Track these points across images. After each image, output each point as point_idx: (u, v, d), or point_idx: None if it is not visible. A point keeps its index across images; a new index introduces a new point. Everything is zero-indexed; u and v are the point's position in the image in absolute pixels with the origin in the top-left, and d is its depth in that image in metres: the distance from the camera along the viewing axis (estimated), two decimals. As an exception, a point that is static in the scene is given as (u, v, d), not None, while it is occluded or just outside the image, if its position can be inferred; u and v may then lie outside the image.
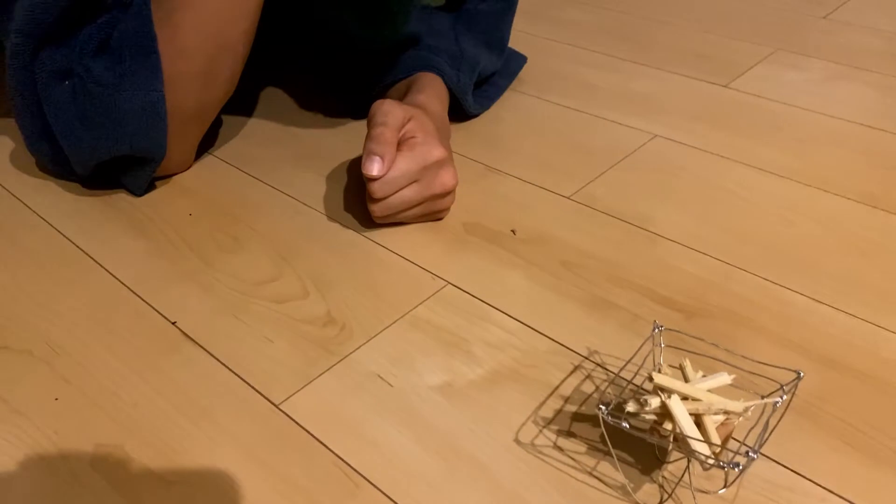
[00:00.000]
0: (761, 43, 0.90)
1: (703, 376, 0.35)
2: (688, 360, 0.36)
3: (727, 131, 0.70)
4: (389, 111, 0.52)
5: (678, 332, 0.41)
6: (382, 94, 0.68)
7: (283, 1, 0.62)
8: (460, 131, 0.70)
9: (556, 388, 0.42)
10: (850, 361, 0.43)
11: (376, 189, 0.51)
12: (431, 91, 0.62)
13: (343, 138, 0.69)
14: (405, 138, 0.52)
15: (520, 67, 0.80)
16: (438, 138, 0.53)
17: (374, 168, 0.49)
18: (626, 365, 0.43)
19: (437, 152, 0.52)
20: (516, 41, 0.91)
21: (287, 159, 0.66)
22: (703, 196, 0.60)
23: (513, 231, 0.56)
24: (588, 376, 0.43)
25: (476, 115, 0.73)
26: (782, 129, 0.70)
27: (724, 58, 0.86)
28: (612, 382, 0.42)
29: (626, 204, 0.59)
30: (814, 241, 0.54)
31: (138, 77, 0.51)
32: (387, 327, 0.47)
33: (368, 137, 0.51)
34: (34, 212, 0.59)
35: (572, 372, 0.43)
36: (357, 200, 0.59)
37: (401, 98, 0.65)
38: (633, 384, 0.41)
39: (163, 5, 0.51)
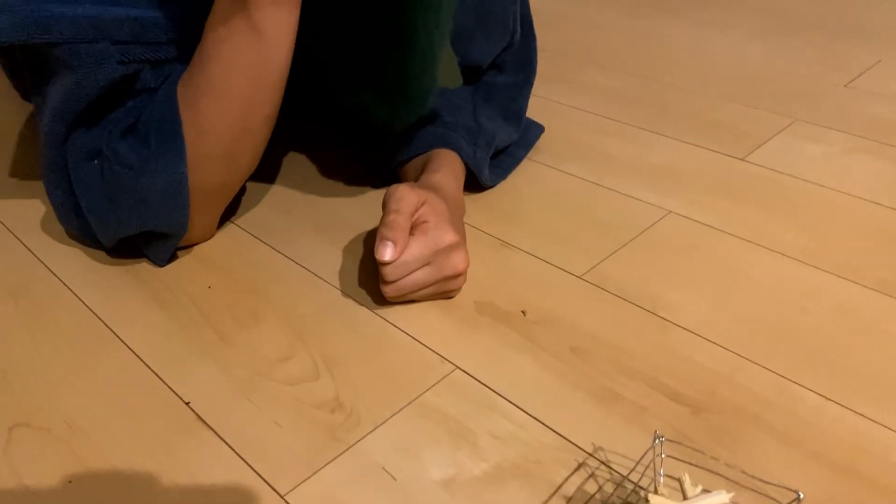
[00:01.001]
0: (780, 112, 0.90)
1: (703, 491, 0.35)
2: (687, 475, 0.36)
3: (743, 208, 0.70)
4: (403, 197, 0.53)
5: (679, 443, 0.41)
6: (400, 169, 0.70)
7: (303, 83, 0.64)
8: (476, 202, 0.71)
9: (560, 486, 0.42)
10: (861, 468, 0.43)
11: (388, 273, 0.52)
12: (447, 169, 0.64)
13: (361, 207, 0.71)
14: (418, 222, 0.54)
15: (537, 137, 0.81)
16: (451, 222, 0.55)
17: (386, 253, 0.50)
18: (629, 473, 0.43)
19: (449, 237, 0.53)
20: (534, 105, 0.93)
21: (306, 229, 0.68)
22: (716, 279, 0.60)
23: (523, 312, 0.56)
24: (592, 475, 0.43)
25: (492, 187, 0.74)
26: (799, 208, 0.70)
27: (741, 128, 0.86)
28: (617, 487, 0.42)
29: (639, 286, 0.59)
30: (829, 332, 0.54)
31: (163, 160, 0.53)
32: (394, 414, 0.47)
33: (382, 223, 0.52)
34: (60, 280, 0.61)
35: (576, 470, 0.43)
36: (371, 275, 0.60)
37: (417, 174, 0.67)
38: (636, 490, 0.41)
39: (189, 91, 0.53)
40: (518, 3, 0.71)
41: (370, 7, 0.49)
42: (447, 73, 0.59)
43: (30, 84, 0.57)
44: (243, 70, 0.51)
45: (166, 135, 0.53)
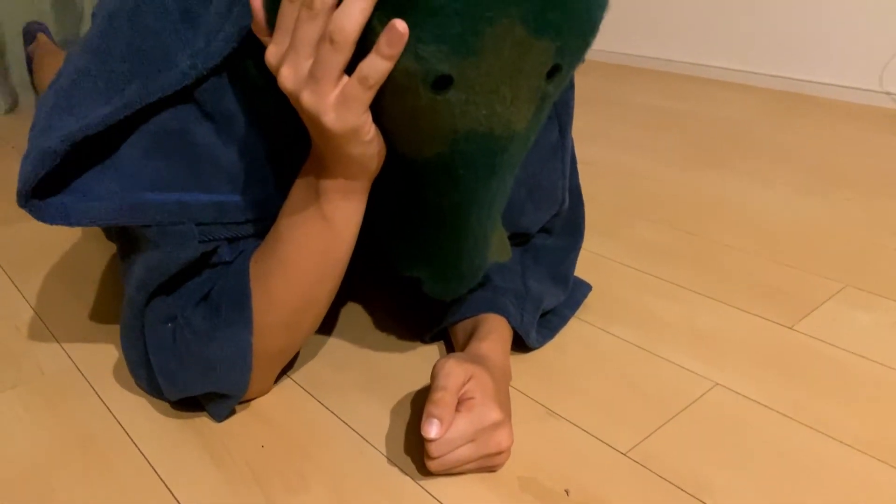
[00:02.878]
0: (830, 276, 0.90)
1: None
2: None
3: (792, 384, 0.70)
4: (450, 373, 0.55)
5: None
6: (450, 329, 0.73)
7: (363, 252, 0.68)
8: (523, 363, 0.73)
9: None
10: None
11: (433, 449, 0.53)
12: (495, 336, 0.66)
13: (411, 365, 0.73)
14: (464, 398, 0.56)
15: (584, 297, 0.83)
16: (496, 398, 0.56)
17: (432, 431, 0.52)
18: None
19: (494, 414, 0.55)
20: (583, 259, 0.96)
21: (357, 385, 0.70)
22: (763, 464, 0.59)
23: (566, 491, 0.57)
24: None
25: (539, 348, 0.76)
26: (850, 385, 0.69)
27: (791, 292, 0.87)
28: None
29: (683, 466, 0.59)
30: (880, 531, 0.52)
31: (231, 329, 0.57)
32: None
33: (429, 400, 0.54)
34: (125, 430, 0.64)
35: None
36: (417, 443, 0.62)
37: (466, 336, 0.69)
38: None
39: (260, 267, 0.58)
40: (567, 177, 0.76)
41: (428, 201, 0.53)
42: (498, 249, 0.62)
43: (118, 249, 0.63)
44: (312, 251, 0.56)
45: (236, 306, 0.58)
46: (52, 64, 1.50)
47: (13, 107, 1.69)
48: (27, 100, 1.73)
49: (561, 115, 0.73)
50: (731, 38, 2.02)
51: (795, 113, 1.67)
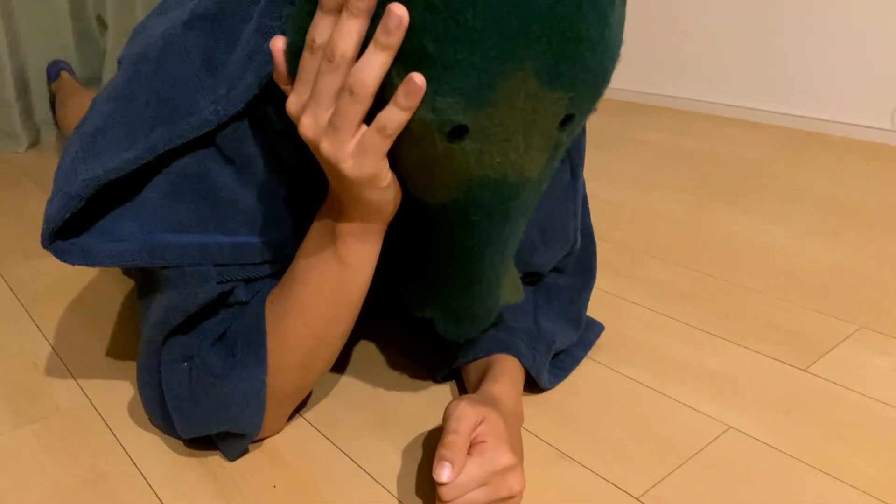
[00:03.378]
0: (844, 318, 0.90)
1: None
2: None
3: (806, 427, 0.69)
4: (462, 416, 0.56)
5: None
6: (462, 369, 0.73)
7: (376, 291, 0.69)
8: (534, 405, 0.73)
9: None
10: None
11: (445, 493, 0.53)
12: (507, 378, 0.66)
13: (424, 404, 0.74)
14: (476, 441, 0.56)
15: (596, 337, 0.83)
16: (508, 441, 0.56)
17: (443, 474, 0.52)
18: None
19: (506, 458, 0.55)
20: (595, 299, 0.96)
21: (369, 424, 0.70)
22: (777, 510, 0.59)
23: (578, 536, 0.56)
24: None
25: (551, 388, 0.76)
26: (866, 430, 0.69)
27: (804, 333, 0.87)
28: None
29: (697, 513, 0.58)
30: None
31: (246, 369, 0.58)
32: None
33: (441, 443, 0.54)
34: (137, 467, 0.64)
35: None
36: (428, 484, 0.62)
37: (479, 376, 0.70)
38: None
39: (276, 307, 0.59)
40: (579, 217, 0.77)
41: (441, 244, 0.54)
42: (510, 290, 0.63)
43: (137, 289, 0.64)
44: (327, 293, 0.56)
45: (251, 346, 0.58)
46: (75, 101, 1.54)
47: (35, 142, 1.73)
48: (49, 136, 1.77)
49: (573, 156, 0.74)
50: (743, 76, 2.04)
51: (808, 151, 1.68)
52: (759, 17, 1.96)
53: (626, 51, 2.32)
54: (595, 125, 1.99)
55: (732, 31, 2.03)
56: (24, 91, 1.68)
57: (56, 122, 1.67)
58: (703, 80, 2.14)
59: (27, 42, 1.71)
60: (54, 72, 1.70)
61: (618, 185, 1.44)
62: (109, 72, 1.83)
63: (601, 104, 2.31)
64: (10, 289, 1.00)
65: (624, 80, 2.35)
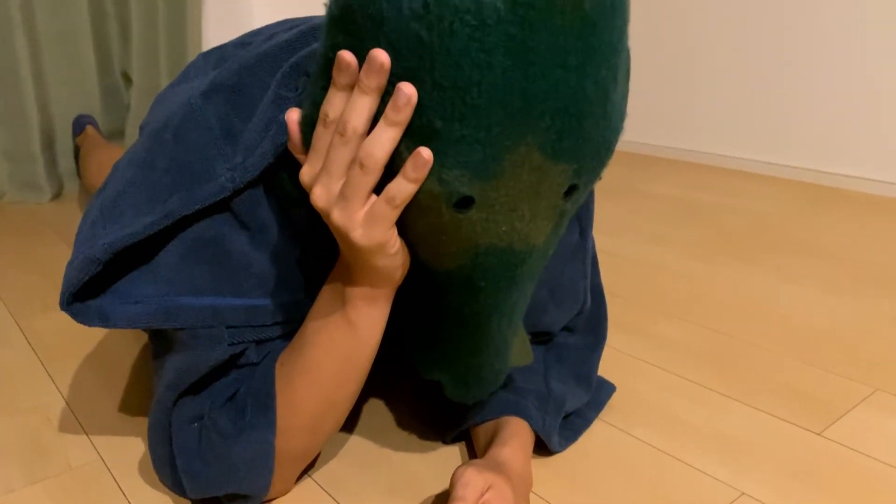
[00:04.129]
0: (860, 380, 0.89)
1: None
2: None
3: (820, 494, 0.68)
4: (468, 483, 0.55)
5: None
6: (472, 430, 0.73)
7: (386, 352, 0.70)
8: (544, 468, 0.72)
9: None
10: None
11: (452, 560, 0.53)
12: (516, 442, 0.66)
13: (433, 466, 0.73)
14: (484, 508, 0.55)
15: (608, 397, 0.83)
16: (516, 509, 0.56)
17: (451, 542, 0.52)
18: None
19: (514, 526, 0.54)
20: (607, 357, 0.96)
21: (378, 486, 0.70)
22: (792, 583, 0.57)
23: None
24: None
25: (561, 451, 0.75)
26: (882, 497, 0.67)
27: (819, 395, 0.85)
28: None
29: (709, 584, 0.57)
30: None
31: (255, 431, 0.58)
32: None
33: (449, 510, 0.54)
34: (146, 528, 0.65)
35: None
36: (437, 550, 0.61)
37: (488, 438, 0.69)
38: None
39: (286, 369, 0.59)
40: (588, 276, 0.77)
41: (449, 309, 0.55)
42: (520, 353, 0.63)
43: (151, 349, 0.65)
44: (336, 355, 0.57)
45: (261, 408, 0.59)
46: (98, 155, 1.58)
47: (59, 194, 1.77)
48: (72, 187, 1.81)
49: (582, 216, 0.75)
50: (757, 129, 2.05)
51: (822, 206, 1.68)
52: (774, 70, 1.99)
53: (638, 103, 2.35)
54: (607, 178, 2.00)
55: (746, 84, 2.05)
56: (49, 144, 1.73)
57: (79, 174, 1.72)
58: (717, 133, 2.16)
59: (55, 97, 1.76)
60: (79, 126, 1.75)
61: (629, 240, 1.44)
62: (133, 126, 1.89)
63: (613, 157, 2.33)
64: (28, 342, 1.01)
65: (637, 132, 2.38)
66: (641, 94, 2.34)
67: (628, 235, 1.47)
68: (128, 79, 1.90)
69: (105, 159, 1.53)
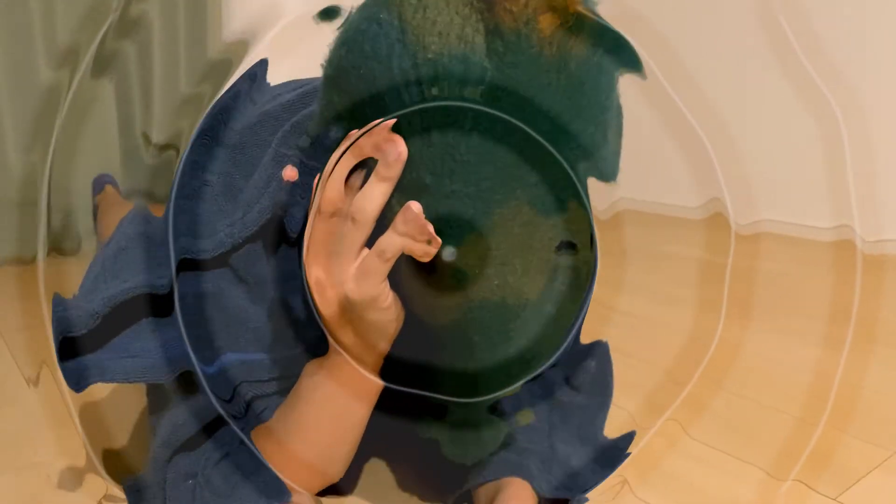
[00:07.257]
0: (876, 443, 0.86)
1: None
2: None
3: (837, 564, 0.65)
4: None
5: None
6: (473, 491, 0.71)
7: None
8: (548, 533, 0.70)
9: None
10: None
11: None
12: (517, 504, 0.64)
13: (432, 529, 0.71)
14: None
15: (617, 460, 0.80)
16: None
17: None
18: None
19: None
20: (615, 418, 0.94)
21: (375, 550, 0.68)
22: None
23: None
24: None
25: (565, 513, 0.73)
26: (902, 568, 0.64)
27: (835, 458, 0.83)
28: None
29: None
30: None
31: (248, 489, 0.57)
32: None
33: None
34: (136, 591, 0.63)
35: None
36: None
37: (489, 501, 0.67)
38: None
39: (280, 424, 0.59)
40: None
41: (443, 365, 0.54)
42: (521, 412, 0.62)
43: (147, 404, 0.65)
44: (331, 412, 0.57)
45: (256, 466, 0.58)
46: (114, 212, 1.61)
47: (76, 251, 1.80)
48: (89, 245, 1.84)
49: None
50: (778, 188, 2.05)
51: (842, 266, 1.66)
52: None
53: (650, 162, 2.37)
54: (621, 237, 2.00)
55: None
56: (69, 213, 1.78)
57: (97, 232, 1.75)
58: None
59: (80, 158, 1.81)
60: (99, 185, 1.79)
61: (642, 300, 1.43)
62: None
63: (626, 216, 2.33)
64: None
65: (650, 191, 2.38)
66: (652, 152, 2.35)
67: (641, 295, 1.46)
68: (148, 140, 1.96)
69: (119, 218, 1.56)
